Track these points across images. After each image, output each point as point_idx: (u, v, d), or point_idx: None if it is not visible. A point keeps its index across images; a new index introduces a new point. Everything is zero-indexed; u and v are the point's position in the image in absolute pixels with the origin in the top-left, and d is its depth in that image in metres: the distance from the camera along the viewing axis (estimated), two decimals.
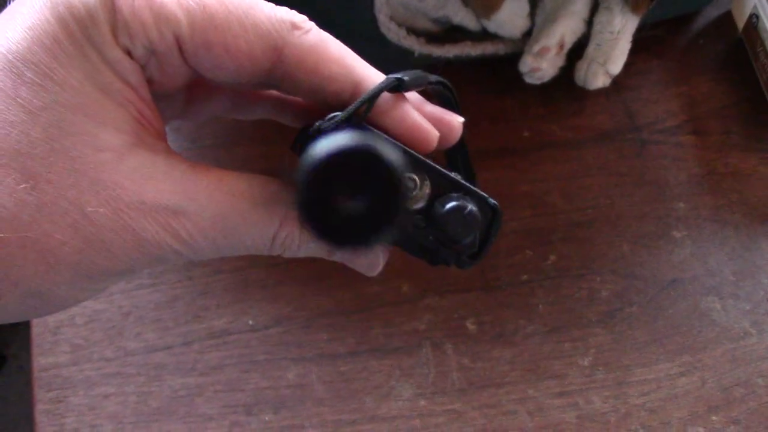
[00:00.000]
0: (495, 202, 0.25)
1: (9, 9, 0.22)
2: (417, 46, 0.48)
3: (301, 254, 0.25)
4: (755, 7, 0.51)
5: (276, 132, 0.30)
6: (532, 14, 0.49)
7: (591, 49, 0.49)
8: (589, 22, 0.49)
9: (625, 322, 0.46)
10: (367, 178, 0.14)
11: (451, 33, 0.50)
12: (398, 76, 0.25)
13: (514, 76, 0.50)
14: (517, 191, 0.49)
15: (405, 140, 0.25)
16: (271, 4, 0.24)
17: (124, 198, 0.22)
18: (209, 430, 0.44)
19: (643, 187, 0.50)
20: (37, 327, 0.46)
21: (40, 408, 0.44)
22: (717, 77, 0.53)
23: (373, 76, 0.25)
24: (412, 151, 0.24)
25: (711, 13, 0.55)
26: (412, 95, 0.26)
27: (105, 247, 0.22)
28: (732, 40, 0.54)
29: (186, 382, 0.45)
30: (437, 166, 0.24)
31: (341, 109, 0.23)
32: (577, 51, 0.50)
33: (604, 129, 0.51)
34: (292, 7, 0.24)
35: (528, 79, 0.49)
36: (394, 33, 0.47)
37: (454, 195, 0.24)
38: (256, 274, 0.48)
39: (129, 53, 0.22)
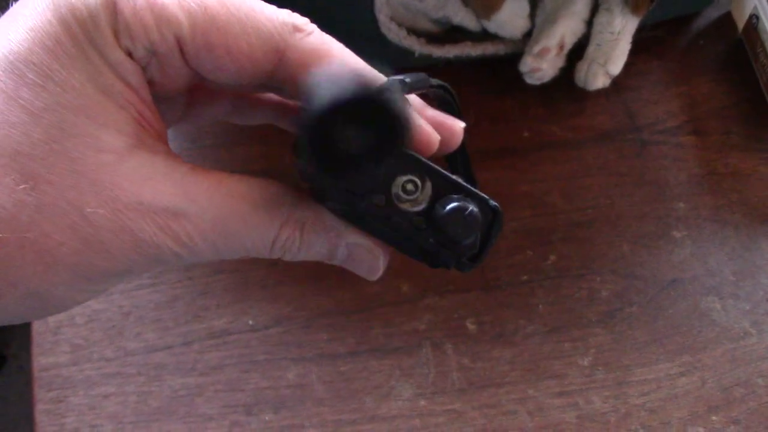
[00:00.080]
0: (496, 203, 0.25)
1: (11, 10, 0.22)
2: (417, 46, 0.48)
3: (301, 257, 0.25)
4: (755, 7, 0.51)
5: (276, 132, 0.30)
6: (533, 15, 0.49)
7: (591, 49, 0.49)
8: (589, 23, 0.49)
9: (625, 322, 0.46)
10: (371, 116, 0.14)
11: (452, 33, 0.50)
12: (400, 78, 0.25)
13: (515, 77, 0.50)
14: (517, 191, 0.49)
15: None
16: (273, 7, 0.24)
17: (123, 199, 0.22)
18: (209, 430, 0.44)
19: (643, 187, 0.50)
20: (38, 327, 0.46)
21: (40, 408, 0.44)
22: (717, 78, 0.53)
23: None
24: (414, 153, 0.24)
25: (711, 13, 0.55)
26: (413, 99, 0.26)
27: (104, 248, 0.22)
28: (732, 41, 0.54)
29: (186, 382, 0.45)
30: (438, 168, 0.24)
31: None
32: (577, 52, 0.50)
33: (604, 129, 0.51)
34: (292, 8, 0.24)
35: (528, 80, 0.50)
36: (394, 33, 0.47)
37: (455, 196, 0.24)
38: (256, 274, 0.48)
39: (130, 55, 0.22)
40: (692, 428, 0.43)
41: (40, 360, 0.45)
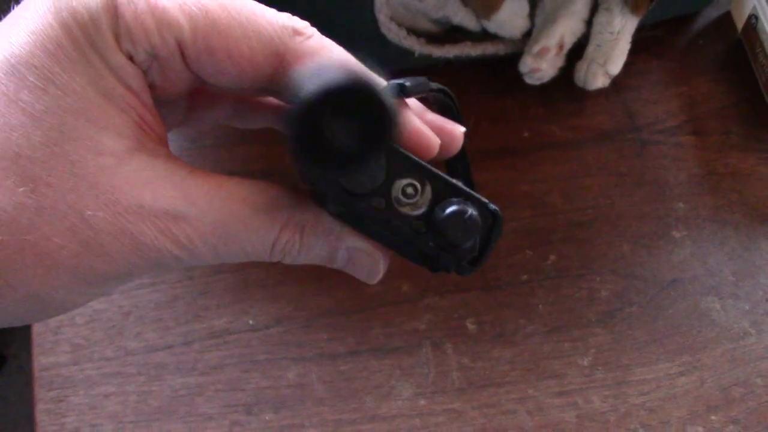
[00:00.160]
0: (496, 207, 0.25)
1: (13, 14, 0.22)
2: (417, 46, 0.48)
3: (301, 261, 0.25)
4: (754, 8, 0.51)
5: (276, 132, 0.30)
6: (532, 15, 0.49)
7: (591, 49, 0.49)
8: (589, 23, 0.49)
9: (625, 322, 0.46)
10: (358, 107, 0.14)
11: (452, 33, 0.50)
12: (400, 81, 0.25)
13: (514, 77, 0.50)
14: (517, 191, 0.50)
15: (406, 146, 0.25)
16: (273, 10, 0.24)
17: (123, 202, 0.22)
18: (209, 430, 0.44)
19: (643, 187, 0.50)
20: (38, 327, 0.46)
21: (40, 407, 0.44)
22: (716, 78, 0.53)
23: None
24: (413, 156, 0.24)
25: (710, 13, 0.55)
26: (414, 103, 0.26)
27: (103, 251, 0.22)
28: (731, 41, 0.54)
29: (186, 382, 0.45)
30: (438, 172, 0.24)
31: None
32: (576, 51, 0.50)
33: (603, 129, 0.51)
34: (292, 8, 0.24)
35: (528, 80, 0.50)
36: (394, 33, 0.47)
37: (455, 200, 0.24)
38: (256, 274, 0.48)
39: (131, 58, 0.22)
40: (691, 428, 0.43)
41: (40, 360, 0.45)
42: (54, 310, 0.23)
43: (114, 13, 0.21)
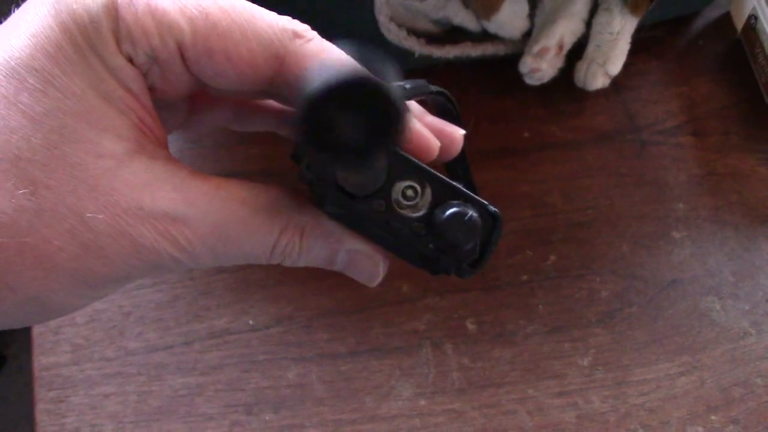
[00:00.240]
0: (496, 209, 0.25)
1: (13, 16, 0.22)
2: (417, 47, 0.48)
3: (301, 263, 0.25)
4: (754, 8, 0.51)
5: (276, 135, 0.30)
6: (532, 15, 0.49)
7: (590, 49, 0.49)
8: (589, 23, 0.49)
9: (625, 322, 0.46)
10: (367, 102, 0.14)
11: (452, 34, 0.50)
12: (400, 84, 0.25)
13: (514, 77, 0.50)
14: (517, 191, 0.50)
15: (406, 149, 0.25)
16: (274, 13, 0.24)
17: (122, 204, 0.22)
18: (209, 430, 0.44)
19: (643, 187, 0.50)
20: (38, 327, 0.46)
21: (40, 407, 0.44)
22: (716, 78, 0.53)
23: None
24: (413, 159, 0.24)
25: (710, 14, 0.55)
26: (413, 105, 0.26)
27: (103, 253, 0.22)
28: (731, 41, 0.54)
29: (186, 382, 0.45)
30: (438, 174, 0.24)
31: None
32: (576, 52, 0.50)
33: (603, 130, 0.51)
34: (292, 9, 0.24)
35: (528, 80, 0.50)
36: (394, 34, 0.47)
37: (455, 202, 0.24)
38: (256, 274, 0.48)
39: (131, 61, 0.22)
40: (691, 428, 0.44)
41: (40, 360, 0.45)
42: (53, 312, 0.23)
43: (114, 16, 0.21)
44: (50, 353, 0.46)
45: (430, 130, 0.25)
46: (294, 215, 0.24)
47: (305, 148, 0.15)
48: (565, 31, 0.48)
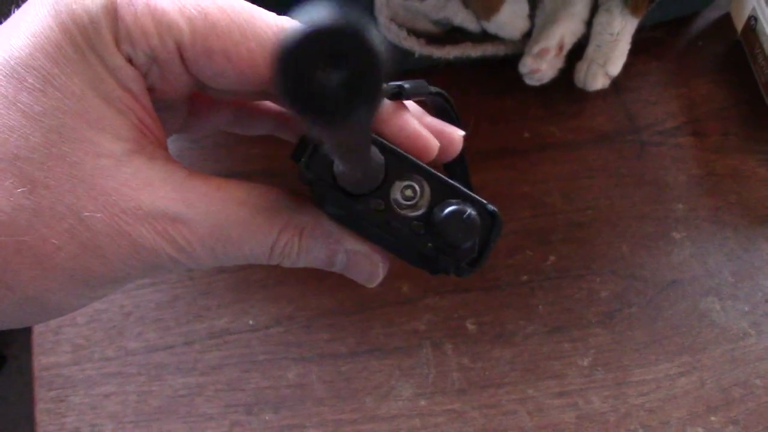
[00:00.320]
0: (494, 208, 0.25)
1: (13, 16, 0.22)
2: (417, 47, 0.48)
3: (300, 264, 0.25)
4: (754, 9, 0.51)
5: (276, 137, 0.30)
6: (532, 16, 0.49)
7: (590, 50, 0.49)
8: (589, 24, 0.49)
9: (625, 322, 0.46)
10: (347, 52, 0.14)
11: (452, 34, 0.50)
12: (399, 83, 0.25)
13: (514, 78, 0.50)
14: (517, 192, 0.50)
15: (405, 148, 0.25)
16: (272, 14, 0.24)
17: (121, 204, 0.22)
18: (209, 430, 0.44)
19: (643, 188, 0.50)
20: (38, 326, 0.46)
21: (41, 407, 0.44)
22: (716, 79, 0.53)
23: None
24: (412, 158, 0.24)
25: (710, 15, 0.55)
26: (413, 106, 0.26)
27: (101, 252, 0.22)
28: (731, 42, 0.54)
29: (186, 382, 0.45)
30: (437, 173, 0.24)
31: None
32: (576, 52, 0.50)
33: (603, 130, 0.51)
34: (292, 10, 0.24)
35: (528, 81, 0.50)
36: (394, 34, 0.47)
37: (454, 201, 0.24)
38: (257, 274, 0.48)
39: (131, 61, 0.22)
40: (691, 428, 0.44)
41: (40, 359, 0.45)
42: (52, 312, 0.23)
43: (114, 16, 0.21)
44: (50, 353, 0.46)
45: (429, 131, 0.25)
46: (293, 216, 0.24)
47: (283, 100, 0.14)
48: (566, 31, 0.48)
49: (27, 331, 0.46)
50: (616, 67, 0.49)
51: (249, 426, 0.44)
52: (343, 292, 0.47)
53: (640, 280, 0.47)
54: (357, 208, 0.24)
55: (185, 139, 0.52)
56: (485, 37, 0.50)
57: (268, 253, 0.24)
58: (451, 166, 0.29)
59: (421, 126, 0.25)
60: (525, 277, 0.47)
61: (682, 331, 0.46)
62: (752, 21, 0.52)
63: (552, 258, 0.48)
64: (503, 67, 0.51)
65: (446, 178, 0.24)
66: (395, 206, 0.24)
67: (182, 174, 0.23)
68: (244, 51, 0.23)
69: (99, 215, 0.21)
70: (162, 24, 0.22)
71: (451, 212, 0.24)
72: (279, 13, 0.24)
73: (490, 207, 0.25)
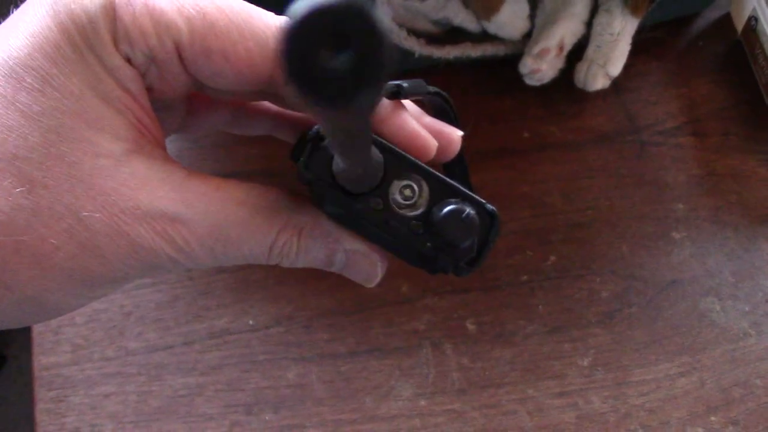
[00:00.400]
0: (493, 208, 0.25)
1: (12, 16, 0.22)
2: (417, 47, 0.48)
3: (300, 264, 0.25)
4: (754, 9, 0.51)
5: (275, 138, 0.30)
6: (532, 16, 0.49)
7: (591, 50, 0.49)
8: (589, 24, 0.49)
9: (625, 322, 0.46)
10: (352, 33, 0.14)
11: (452, 34, 0.50)
12: (397, 82, 0.25)
13: (514, 78, 0.50)
14: (517, 192, 0.50)
15: (403, 148, 0.25)
16: (271, 13, 0.24)
17: (119, 204, 0.22)
18: (209, 430, 0.44)
19: (643, 188, 0.50)
20: (38, 326, 0.46)
21: (41, 407, 0.44)
22: (716, 79, 0.53)
23: None
24: (411, 158, 0.24)
25: (710, 15, 0.55)
26: (411, 106, 0.26)
27: (99, 252, 0.22)
28: (731, 42, 0.54)
29: (186, 382, 0.45)
30: (435, 173, 0.24)
31: None
32: (576, 53, 0.50)
33: (603, 130, 0.51)
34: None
35: (528, 81, 0.50)
36: (394, 34, 0.47)
37: (452, 200, 0.24)
38: (256, 274, 0.48)
39: (129, 60, 0.22)
40: (691, 428, 0.44)
41: (40, 359, 0.45)
42: (51, 312, 0.23)
43: (112, 16, 0.21)
44: (50, 353, 0.46)
45: (428, 131, 0.25)
46: (292, 216, 0.24)
47: (287, 82, 0.14)
48: (566, 32, 0.48)
49: (27, 331, 0.46)
50: (616, 68, 0.49)
51: (249, 426, 0.44)
52: (342, 292, 0.47)
53: (640, 280, 0.47)
54: (356, 207, 0.24)
55: (184, 139, 0.52)
56: (485, 37, 0.50)
57: (267, 253, 0.24)
58: (451, 166, 0.29)
59: (419, 126, 0.25)
60: (525, 277, 0.47)
61: (682, 331, 0.46)
62: (752, 21, 0.52)
63: (552, 258, 0.48)
64: (503, 67, 0.51)
65: (445, 178, 0.24)
66: (394, 205, 0.24)
67: (181, 174, 0.23)
68: (243, 51, 0.23)
69: (98, 215, 0.21)
70: (160, 24, 0.22)
71: (450, 212, 0.24)
72: (278, 13, 0.24)
73: (489, 207, 0.25)
